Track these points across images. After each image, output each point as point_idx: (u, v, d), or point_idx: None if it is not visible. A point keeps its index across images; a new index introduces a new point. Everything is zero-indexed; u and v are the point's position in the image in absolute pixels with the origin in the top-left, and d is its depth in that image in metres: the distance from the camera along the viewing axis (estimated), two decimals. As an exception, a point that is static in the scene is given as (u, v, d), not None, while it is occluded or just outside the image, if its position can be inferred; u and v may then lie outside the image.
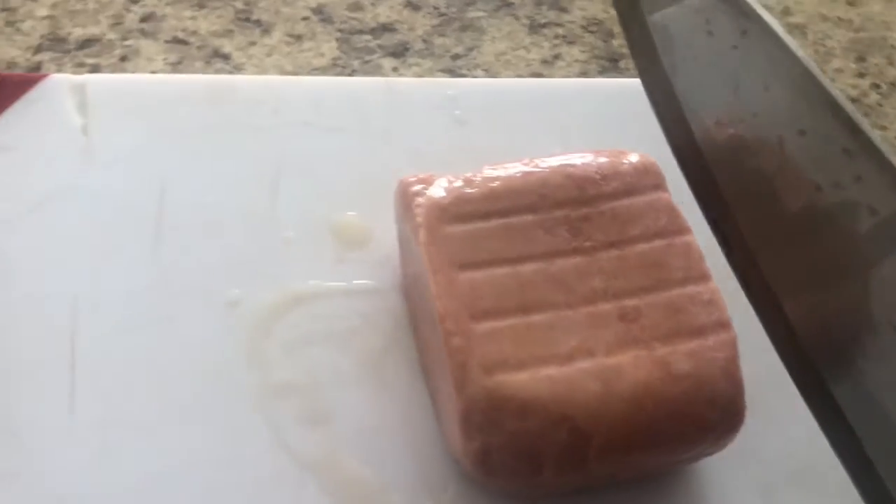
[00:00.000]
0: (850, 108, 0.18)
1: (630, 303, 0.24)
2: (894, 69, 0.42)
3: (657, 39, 0.21)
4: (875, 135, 0.17)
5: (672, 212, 0.25)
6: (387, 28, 0.38)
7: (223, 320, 0.27)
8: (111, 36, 0.35)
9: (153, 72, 0.34)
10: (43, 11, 0.36)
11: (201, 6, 0.37)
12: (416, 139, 0.33)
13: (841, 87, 0.41)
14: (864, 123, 0.18)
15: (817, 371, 0.17)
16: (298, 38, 0.37)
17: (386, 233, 0.30)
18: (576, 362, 0.23)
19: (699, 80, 0.21)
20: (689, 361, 0.23)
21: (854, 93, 0.41)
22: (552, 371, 0.22)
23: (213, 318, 0.27)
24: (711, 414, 0.23)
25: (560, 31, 0.40)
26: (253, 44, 0.36)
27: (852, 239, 0.17)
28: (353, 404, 0.26)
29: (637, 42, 0.22)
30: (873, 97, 0.41)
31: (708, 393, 0.23)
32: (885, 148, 0.17)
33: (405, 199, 0.25)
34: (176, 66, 0.35)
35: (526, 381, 0.22)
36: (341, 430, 0.25)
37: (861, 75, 0.42)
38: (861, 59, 0.42)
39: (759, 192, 0.19)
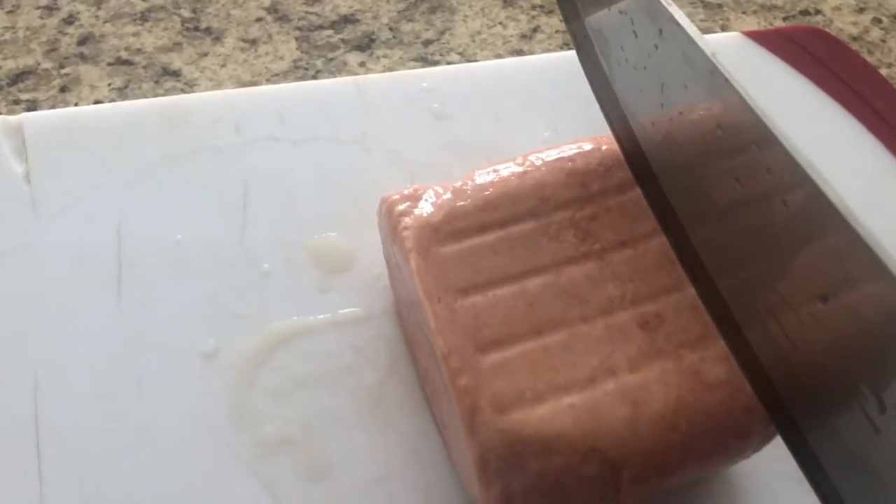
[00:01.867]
0: (754, 102, 0.18)
1: (650, 308, 0.21)
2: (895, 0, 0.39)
3: (596, 43, 0.23)
4: (778, 128, 0.17)
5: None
6: (348, 19, 0.35)
7: (202, 375, 0.25)
8: (46, 65, 0.32)
9: (97, 100, 0.31)
10: (-31, 46, 0.33)
11: (144, 19, 0.34)
12: (395, 141, 0.30)
13: (841, 26, 0.38)
14: (768, 117, 0.18)
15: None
16: (253, 42, 0.34)
17: (371, 252, 0.27)
18: (598, 385, 0.20)
19: (632, 82, 0.22)
20: (721, 366, 0.21)
21: (855, 31, 0.38)
22: (574, 399, 0.20)
23: (191, 373, 0.25)
24: (752, 421, 0.21)
25: (536, 0, 0.36)
26: (204, 55, 0.33)
27: (771, 230, 0.18)
28: (355, 452, 0.24)
29: (582, 47, 0.23)
30: (875, 33, 0.38)
31: (747, 399, 0.20)
32: (787, 140, 0.17)
33: (391, 220, 0.22)
34: (122, 91, 0.32)
35: (546, 415, 0.19)
36: (345, 484, 0.23)
37: (860, 10, 0.39)
38: (861, -7, 0.39)
39: (691, 187, 0.20)
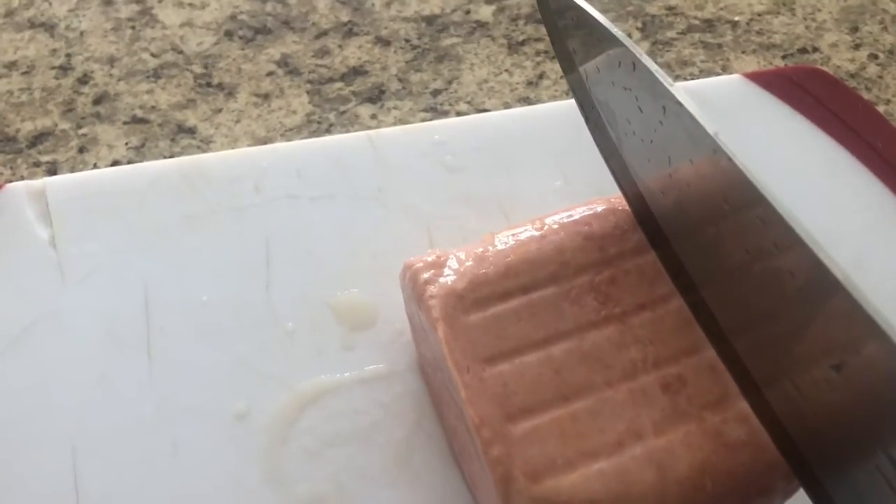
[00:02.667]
0: (758, 180, 0.19)
1: (672, 370, 0.22)
2: (890, 35, 0.40)
3: (603, 114, 0.24)
4: (779, 202, 0.18)
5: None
6: (358, 71, 0.36)
7: (233, 436, 0.25)
8: (64, 126, 0.33)
9: (116, 160, 0.32)
10: (-13, 108, 0.33)
11: (157, 76, 0.35)
12: (410, 195, 0.31)
13: (839, 63, 0.39)
14: (768, 190, 0.19)
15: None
16: (266, 97, 0.34)
17: (392, 307, 0.28)
18: (626, 449, 0.21)
19: (640, 152, 0.23)
20: (743, 427, 0.21)
21: (852, 67, 0.39)
22: (603, 465, 0.20)
23: (222, 435, 0.25)
24: (775, 478, 0.21)
25: (540, 46, 0.37)
26: (218, 111, 0.34)
27: (780, 296, 0.19)
28: (387, 510, 0.24)
29: (590, 118, 0.24)
30: (872, 69, 0.39)
31: (769, 457, 0.21)
32: (789, 216, 0.18)
33: (416, 287, 0.23)
34: (139, 150, 0.32)
35: (577, 482, 0.20)
36: (380, 544, 0.24)
37: (857, 47, 0.40)
38: (854, 28, 0.40)
39: (703, 249, 0.21)
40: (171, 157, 0.32)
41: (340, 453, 0.25)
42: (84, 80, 0.34)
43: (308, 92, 0.35)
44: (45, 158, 0.32)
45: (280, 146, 0.31)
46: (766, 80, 0.35)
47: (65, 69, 0.34)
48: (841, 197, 0.32)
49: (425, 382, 0.27)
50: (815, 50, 0.38)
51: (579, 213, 0.24)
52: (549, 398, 0.21)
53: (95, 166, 0.31)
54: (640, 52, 0.22)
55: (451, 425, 0.24)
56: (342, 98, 0.35)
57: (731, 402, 0.22)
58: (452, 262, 0.23)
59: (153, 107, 0.34)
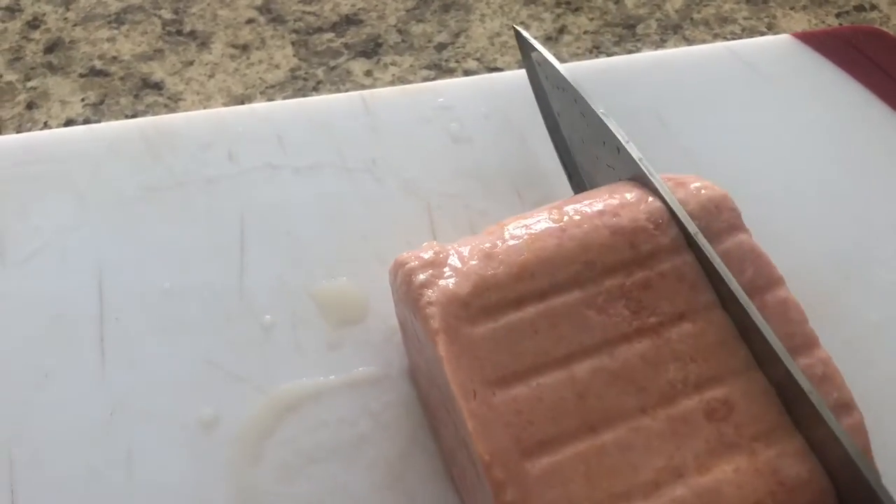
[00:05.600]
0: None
1: (717, 393, 0.19)
2: None
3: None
4: None
5: (759, 259, 0.20)
6: (351, 20, 0.31)
7: (199, 449, 0.22)
8: (10, 77, 0.28)
9: (70, 119, 0.28)
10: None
11: (119, 22, 0.30)
12: (409, 168, 0.27)
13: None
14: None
15: None
16: (244, 48, 0.30)
17: (386, 299, 0.24)
18: (665, 490, 0.17)
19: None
20: (804, 463, 0.18)
21: None
22: (636, 510, 0.17)
23: (187, 447, 0.22)
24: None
25: (559, -4, 0.33)
26: (189, 64, 0.29)
27: None
28: (376, 539, 0.21)
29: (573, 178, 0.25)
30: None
31: (833, 500, 0.18)
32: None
33: (410, 291, 0.19)
34: (97, 108, 0.28)
35: (605, 532, 0.17)
36: (366, 582, 0.20)
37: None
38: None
39: None
40: (134, 116, 0.27)
41: (322, 471, 0.22)
42: (34, 24, 0.30)
43: (293, 43, 0.30)
44: (-13, 115, 0.28)
45: (259, 106, 0.27)
46: (818, 41, 0.30)
47: (12, 11, 0.29)
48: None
49: (417, 390, 0.23)
50: (874, 8, 0.33)
51: (604, 200, 0.20)
52: (572, 428, 0.18)
53: (46, 126, 0.27)
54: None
55: (449, 447, 0.21)
56: (332, 51, 0.30)
57: (787, 432, 0.18)
58: (454, 260, 0.19)
59: (114, 57, 0.29)
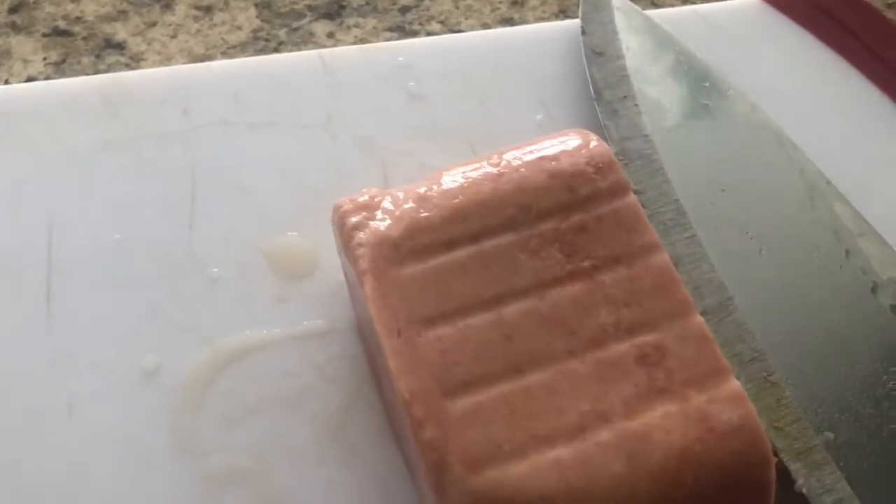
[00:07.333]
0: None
1: (650, 338, 0.18)
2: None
3: None
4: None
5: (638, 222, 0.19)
6: (316, -17, 0.31)
7: (141, 397, 0.22)
8: (-27, 36, 0.29)
9: (31, 76, 0.28)
10: None
11: (85, -17, 0.30)
12: (366, 126, 0.27)
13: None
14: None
15: None
16: (208, 9, 0.30)
17: (335, 255, 0.24)
18: (589, 434, 0.17)
19: None
20: (736, 409, 0.18)
21: None
22: (560, 452, 0.17)
23: (129, 395, 0.22)
24: (771, 474, 0.18)
25: (529, -39, 0.32)
26: (152, 25, 0.29)
27: None
28: (314, 488, 0.21)
29: None
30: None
31: (766, 448, 0.18)
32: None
33: (342, 233, 0.19)
34: (59, 67, 0.28)
35: (527, 472, 0.16)
36: (300, 529, 0.20)
37: None
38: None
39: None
40: (96, 74, 0.27)
41: (264, 422, 0.22)
42: (-1, -16, 0.30)
43: (256, 5, 0.30)
44: (-52, 72, 0.28)
45: (216, 64, 0.27)
46: (787, 5, 0.30)
47: (-22, -29, 0.29)
48: (873, 144, 0.28)
49: (364, 344, 0.23)
50: (847, -27, 0.33)
51: (547, 146, 0.20)
52: (497, 369, 0.17)
53: (7, 84, 0.27)
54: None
55: (388, 398, 0.21)
56: (295, 13, 0.30)
57: (721, 378, 0.18)
58: (387, 204, 0.19)
59: (78, 17, 0.29)
